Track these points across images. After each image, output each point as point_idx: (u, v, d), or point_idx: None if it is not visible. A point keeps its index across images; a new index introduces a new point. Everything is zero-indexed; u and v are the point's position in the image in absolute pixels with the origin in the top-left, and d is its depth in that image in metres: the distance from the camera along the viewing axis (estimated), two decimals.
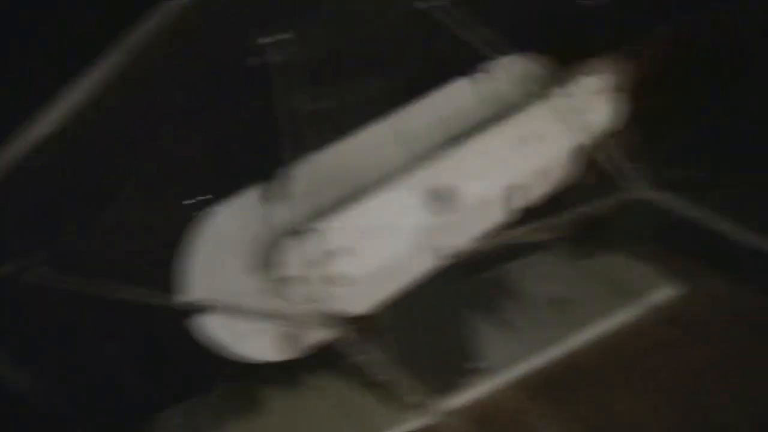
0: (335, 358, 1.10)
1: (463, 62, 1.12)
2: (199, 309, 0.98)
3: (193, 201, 1.02)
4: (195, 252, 0.98)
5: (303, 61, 1.03)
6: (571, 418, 1.13)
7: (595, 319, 1.31)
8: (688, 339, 1.28)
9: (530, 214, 1.20)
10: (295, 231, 0.99)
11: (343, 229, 0.99)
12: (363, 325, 1.01)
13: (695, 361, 1.23)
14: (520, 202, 1.16)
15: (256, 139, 1.05)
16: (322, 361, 1.15)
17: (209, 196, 1.03)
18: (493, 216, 1.15)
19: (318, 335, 1.02)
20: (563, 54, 1.15)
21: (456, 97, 1.11)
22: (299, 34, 1.01)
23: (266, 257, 1.02)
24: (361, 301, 0.98)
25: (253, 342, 1.04)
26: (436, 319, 1.21)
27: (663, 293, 1.36)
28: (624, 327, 1.31)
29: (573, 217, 1.20)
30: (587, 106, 1.14)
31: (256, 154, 1.04)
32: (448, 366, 1.20)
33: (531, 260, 1.42)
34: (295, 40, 1.00)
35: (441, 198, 1.04)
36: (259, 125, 1.05)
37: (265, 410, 1.19)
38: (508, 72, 1.12)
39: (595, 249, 1.45)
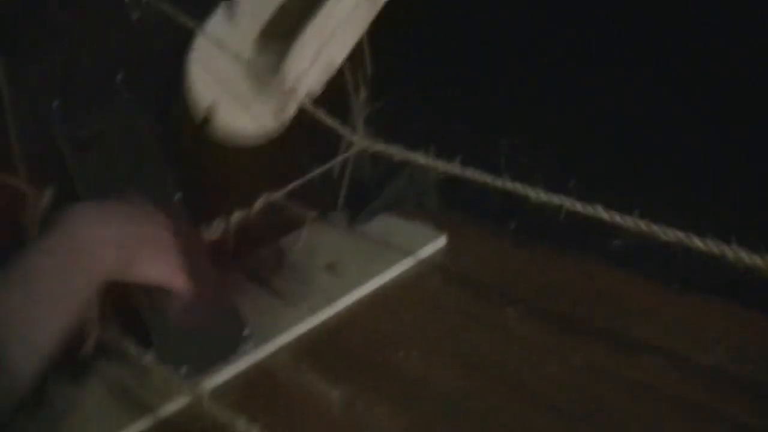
0: (113, 346, 1.12)
1: None
2: None
3: None
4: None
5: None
6: (340, 374, 1.15)
7: (368, 278, 1.34)
8: (452, 285, 1.34)
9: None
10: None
11: None
12: None
13: (459, 304, 1.29)
14: None
15: None
16: (101, 350, 1.17)
17: None
18: None
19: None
20: None
21: None
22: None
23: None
24: None
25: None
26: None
27: (432, 247, 1.42)
28: (394, 282, 1.36)
29: (316, 180, 1.25)
30: None
31: None
32: (218, 339, 1.20)
33: (303, 232, 1.41)
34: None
35: None
36: None
37: (50, 404, 1.16)
38: None
39: (365, 214, 1.50)
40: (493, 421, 1.08)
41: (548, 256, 1.38)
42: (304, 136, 1.30)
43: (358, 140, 1.22)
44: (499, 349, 1.20)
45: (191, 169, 1.23)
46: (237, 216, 1.25)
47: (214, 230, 1.23)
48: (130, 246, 0.96)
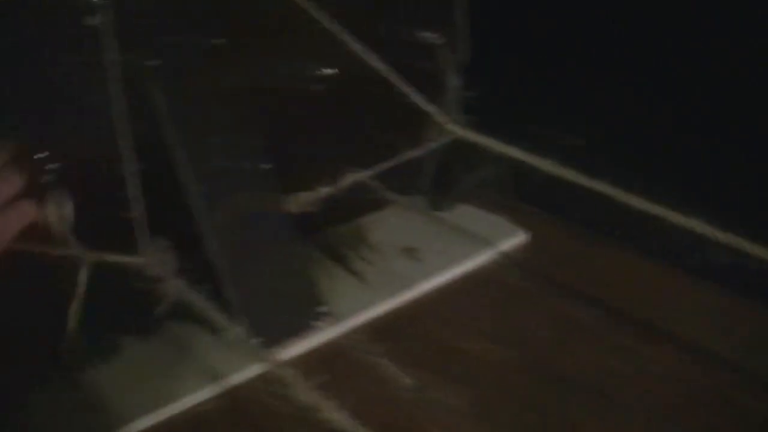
0: (186, 308, 1.13)
1: None
2: None
3: None
4: None
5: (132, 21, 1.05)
6: (413, 359, 1.15)
7: (446, 266, 1.34)
8: (531, 281, 1.32)
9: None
10: None
11: None
12: None
13: (535, 301, 1.28)
14: None
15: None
16: (174, 311, 1.18)
17: None
18: None
19: None
20: None
21: None
22: None
23: None
24: None
25: None
26: (283, 269, 1.22)
27: (511, 241, 1.41)
28: (472, 273, 1.35)
29: (402, 162, 1.24)
30: None
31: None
32: (295, 313, 1.21)
33: (384, 214, 1.45)
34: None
35: None
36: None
37: (122, 357, 1.19)
38: None
39: (448, 202, 1.49)
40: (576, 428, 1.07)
41: (631, 261, 1.35)
42: (396, 118, 1.28)
43: (452, 128, 1.20)
44: (571, 350, 1.19)
45: (282, 140, 1.23)
46: (322, 191, 1.25)
47: (298, 203, 1.24)
48: None
